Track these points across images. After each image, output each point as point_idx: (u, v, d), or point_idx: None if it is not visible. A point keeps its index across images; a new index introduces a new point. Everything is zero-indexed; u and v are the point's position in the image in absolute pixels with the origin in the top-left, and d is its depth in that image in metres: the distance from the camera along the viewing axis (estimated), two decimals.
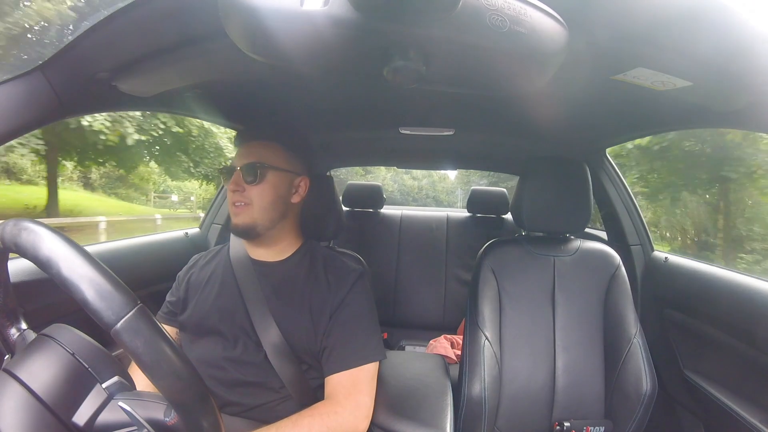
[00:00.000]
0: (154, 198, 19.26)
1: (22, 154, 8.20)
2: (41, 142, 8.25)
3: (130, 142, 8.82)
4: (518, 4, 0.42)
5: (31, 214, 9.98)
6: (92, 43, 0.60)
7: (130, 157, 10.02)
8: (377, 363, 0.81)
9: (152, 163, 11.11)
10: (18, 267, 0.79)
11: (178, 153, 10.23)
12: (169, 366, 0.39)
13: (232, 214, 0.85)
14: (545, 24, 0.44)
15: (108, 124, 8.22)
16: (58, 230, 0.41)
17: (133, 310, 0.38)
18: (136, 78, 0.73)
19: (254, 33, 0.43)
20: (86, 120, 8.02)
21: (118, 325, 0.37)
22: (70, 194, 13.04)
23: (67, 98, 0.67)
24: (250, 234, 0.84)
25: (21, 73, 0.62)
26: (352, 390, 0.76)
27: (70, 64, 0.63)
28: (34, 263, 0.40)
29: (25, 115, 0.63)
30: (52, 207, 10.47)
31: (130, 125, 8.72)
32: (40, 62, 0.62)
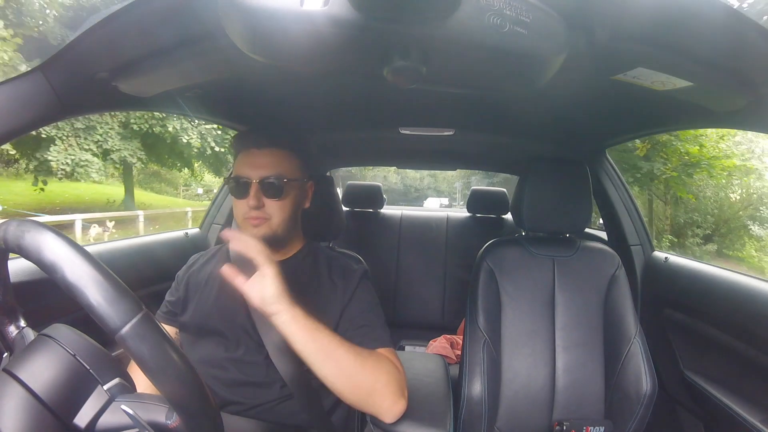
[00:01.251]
0: (182, 191, 20.20)
1: (133, 162, 10.33)
2: (143, 153, 10.41)
3: (209, 152, 11.07)
4: (518, 4, 0.42)
5: (112, 207, 11.80)
6: (92, 43, 0.60)
7: (191, 160, 12.04)
8: (395, 351, 0.80)
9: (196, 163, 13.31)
10: (18, 267, 0.79)
11: (229, 156, 12.29)
12: (174, 371, 0.39)
13: (246, 227, 0.81)
14: (545, 24, 0.44)
15: (200, 140, 10.91)
16: (61, 232, 0.41)
17: (139, 316, 0.38)
18: (136, 78, 0.73)
19: (254, 33, 0.43)
20: (184, 138, 10.47)
21: (123, 330, 0.37)
22: (119, 189, 14.34)
23: (67, 98, 0.67)
24: (270, 244, 0.82)
25: (21, 73, 0.62)
26: (391, 358, 0.75)
27: (70, 64, 0.63)
28: (38, 266, 0.40)
29: (25, 115, 0.63)
30: (128, 202, 12.36)
31: (212, 141, 11.17)
32: (40, 62, 0.62)
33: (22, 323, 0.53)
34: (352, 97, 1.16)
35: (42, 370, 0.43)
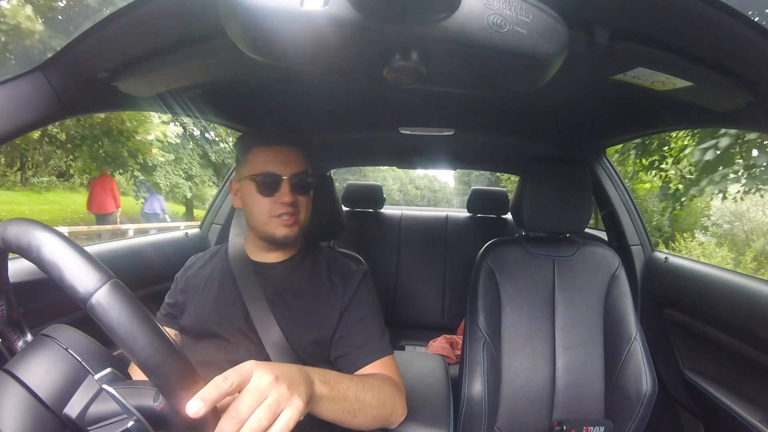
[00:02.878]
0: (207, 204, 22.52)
1: (210, 185, 13.05)
2: (215, 178, 12.83)
3: None
4: (518, 4, 0.42)
5: (177, 217, 13.63)
6: (92, 43, 0.60)
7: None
8: (393, 357, 0.81)
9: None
10: (18, 267, 0.79)
11: None
12: (145, 339, 0.38)
13: (275, 225, 0.80)
14: (545, 24, 0.44)
15: None
16: (42, 223, 0.42)
17: (106, 284, 0.38)
18: (136, 78, 0.73)
19: (254, 33, 0.43)
20: None
21: (92, 299, 0.37)
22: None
23: (67, 98, 0.67)
24: (293, 243, 0.83)
25: (21, 73, 0.62)
26: (393, 374, 0.77)
27: (70, 64, 0.63)
28: (18, 252, 0.41)
29: (25, 115, 0.63)
30: (189, 213, 14.47)
31: None
32: (40, 62, 0.62)
33: (29, 337, 0.53)
34: (352, 97, 1.16)
35: (34, 364, 0.43)
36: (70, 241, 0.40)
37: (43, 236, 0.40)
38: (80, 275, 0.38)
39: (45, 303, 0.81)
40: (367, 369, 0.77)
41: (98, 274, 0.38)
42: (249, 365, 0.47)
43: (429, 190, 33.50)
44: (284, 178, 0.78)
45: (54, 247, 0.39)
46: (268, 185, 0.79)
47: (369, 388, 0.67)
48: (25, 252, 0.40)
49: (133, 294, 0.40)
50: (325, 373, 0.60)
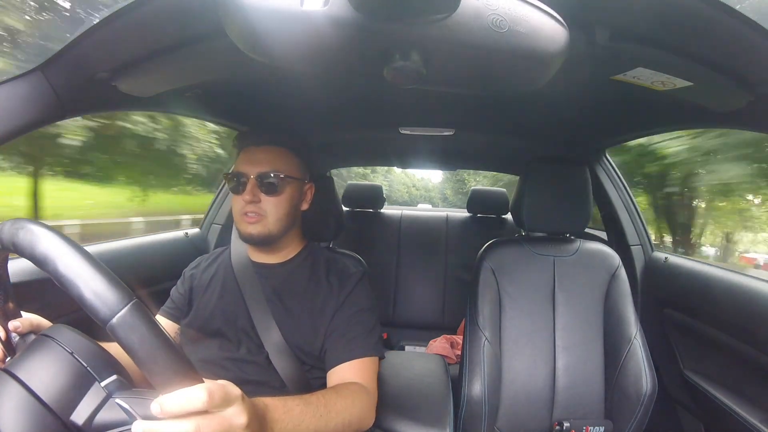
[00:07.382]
0: None
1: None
2: None
3: None
4: (518, 4, 0.42)
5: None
6: (92, 43, 0.60)
7: None
8: (378, 359, 0.81)
9: None
10: (18, 267, 0.79)
11: None
12: (165, 361, 0.38)
13: (242, 223, 0.82)
14: (545, 24, 0.44)
15: None
16: (55, 229, 0.41)
17: (129, 306, 0.38)
18: (136, 78, 0.73)
19: (254, 33, 0.43)
20: None
21: (114, 320, 0.37)
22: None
23: (67, 98, 0.67)
24: (263, 243, 0.84)
25: (21, 73, 0.62)
26: (363, 378, 0.76)
27: (70, 64, 0.63)
28: (31, 261, 0.40)
29: (25, 115, 0.63)
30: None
31: None
32: (41, 62, 0.62)
33: (29, 336, 0.53)
34: (352, 97, 1.16)
35: (39, 368, 0.43)
36: (89, 255, 0.39)
37: (60, 249, 0.39)
38: (102, 296, 0.37)
39: (45, 303, 0.81)
40: (344, 367, 0.76)
41: (120, 294, 0.38)
42: (236, 395, 0.44)
43: (424, 189, 40.24)
44: (250, 177, 0.80)
45: (73, 262, 0.38)
46: (237, 184, 0.82)
47: (333, 417, 0.63)
48: (40, 263, 0.39)
49: (152, 315, 0.40)
50: (285, 414, 0.55)
